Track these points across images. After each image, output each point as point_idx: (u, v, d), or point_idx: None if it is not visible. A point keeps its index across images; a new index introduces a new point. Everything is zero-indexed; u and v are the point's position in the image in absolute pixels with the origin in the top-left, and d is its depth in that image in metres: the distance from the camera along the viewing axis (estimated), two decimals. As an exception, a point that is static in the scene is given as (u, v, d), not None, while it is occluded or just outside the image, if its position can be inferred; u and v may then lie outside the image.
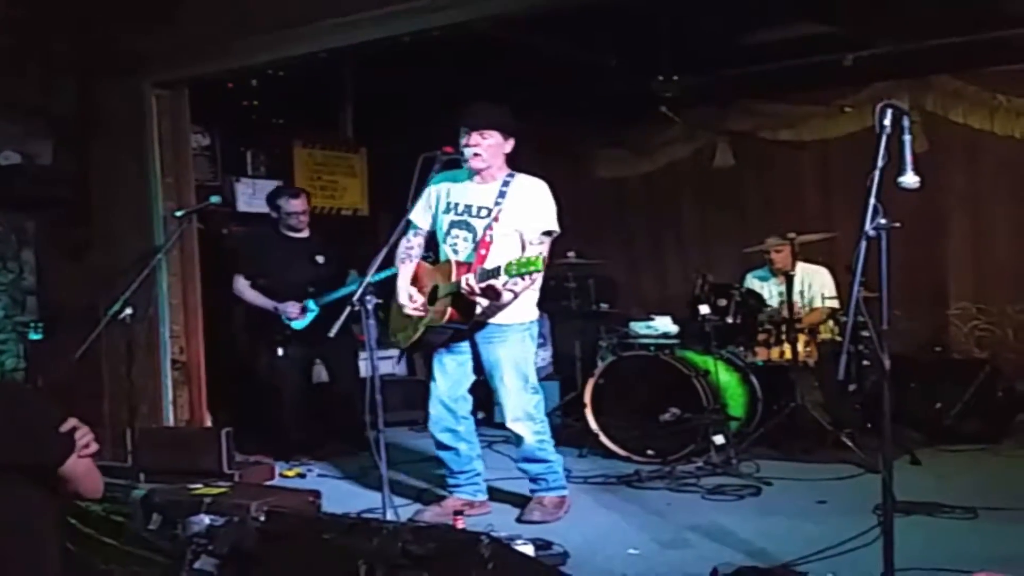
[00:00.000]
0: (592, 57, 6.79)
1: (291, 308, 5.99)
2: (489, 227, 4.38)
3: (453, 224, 4.51)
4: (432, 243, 4.69)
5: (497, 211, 4.39)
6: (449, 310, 4.32)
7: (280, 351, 6.05)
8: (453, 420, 4.60)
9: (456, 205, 4.51)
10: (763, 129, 7.58)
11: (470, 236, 4.44)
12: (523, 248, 4.35)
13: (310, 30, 5.25)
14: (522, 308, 4.49)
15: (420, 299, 4.48)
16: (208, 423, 6.04)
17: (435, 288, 4.44)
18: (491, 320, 4.44)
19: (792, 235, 6.00)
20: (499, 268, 4.09)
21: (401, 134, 7.46)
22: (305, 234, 6.19)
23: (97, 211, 6.19)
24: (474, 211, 4.46)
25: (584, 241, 6.79)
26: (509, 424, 4.53)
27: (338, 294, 5.94)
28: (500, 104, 4.52)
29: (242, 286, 6.12)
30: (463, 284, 4.19)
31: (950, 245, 7.01)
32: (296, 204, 6.13)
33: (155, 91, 5.89)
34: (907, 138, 3.14)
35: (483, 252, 4.34)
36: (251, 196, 7.30)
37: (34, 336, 6.21)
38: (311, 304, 6.02)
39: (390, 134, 7.79)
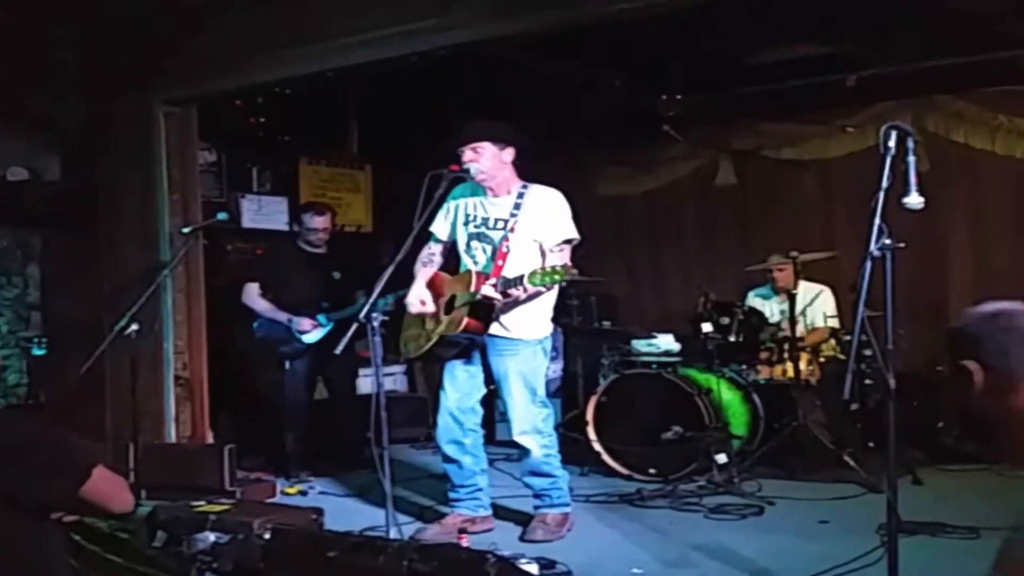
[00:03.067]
0: (596, 76, 6.83)
1: (305, 323, 6.02)
2: (506, 238, 4.44)
3: (472, 236, 4.57)
4: (451, 255, 4.74)
5: (513, 222, 4.45)
6: (465, 320, 4.35)
7: (288, 365, 6.07)
8: (460, 432, 4.62)
9: (474, 218, 4.58)
10: (765, 148, 7.60)
11: (489, 248, 4.50)
12: (543, 257, 4.41)
13: (318, 49, 5.30)
14: (535, 323, 4.52)
15: (431, 306, 4.52)
16: (210, 440, 6.05)
17: (452, 297, 4.48)
18: (503, 334, 4.46)
19: (794, 254, 6.03)
20: (522, 277, 4.13)
21: (406, 152, 7.50)
22: (322, 250, 6.23)
23: (103, 227, 6.23)
24: (491, 223, 4.52)
25: (586, 258, 6.80)
26: (516, 437, 4.54)
27: (350, 311, 5.96)
28: (489, 118, 4.56)
29: (253, 294, 6.14)
30: (482, 293, 4.24)
31: (951, 265, 7.01)
32: (319, 221, 6.18)
33: (164, 108, 5.95)
34: (911, 159, 3.16)
35: (500, 263, 4.39)
36: (256, 212, 7.34)
37: (38, 352, 6.23)
38: (323, 319, 6.04)
39: (395, 152, 7.83)
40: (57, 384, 5.88)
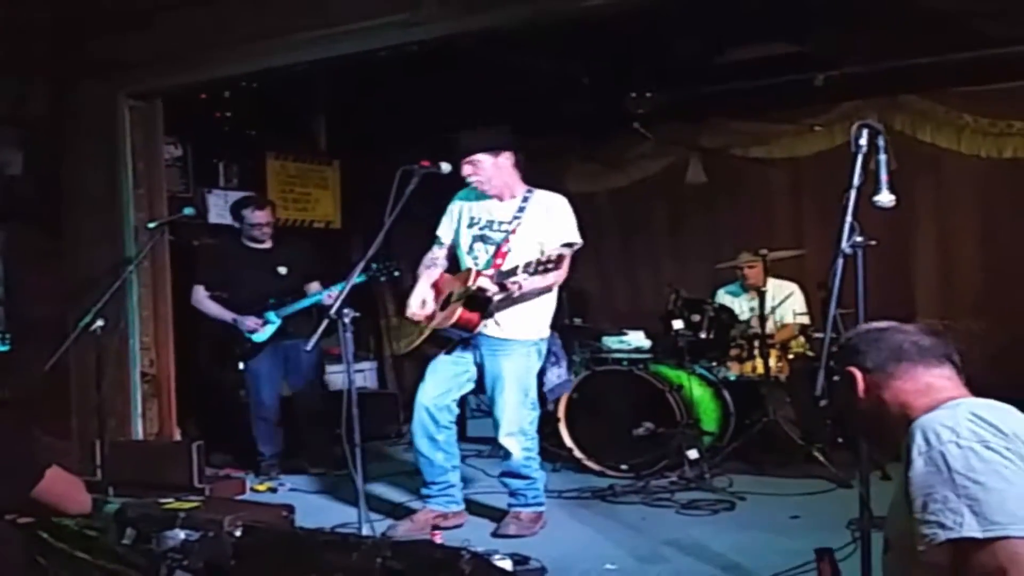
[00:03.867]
0: (566, 73, 6.83)
1: (249, 322, 5.90)
2: (507, 239, 4.44)
3: (475, 238, 4.58)
4: (454, 259, 4.74)
5: (516, 224, 4.46)
6: (459, 311, 4.35)
7: (241, 365, 5.98)
8: (434, 428, 4.59)
9: (479, 220, 4.58)
10: (735, 146, 7.64)
11: (491, 248, 4.51)
12: None
13: (288, 42, 5.24)
14: (531, 324, 4.52)
15: (431, 307, 4.54)
16: (177, 436, 5.98)
17: (450, 294, 4.48)
18: (498, 334, 4.46)
19: (764, 251, 6.06)
20: (516, 268, 4.14)
21: (375, 147, 7.46)
22: (267, 245, 6.12)
23: (67, 222, 6.12)
24: (495, 226, 4.54)
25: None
26: (501, 438, 4.53)
27: (299, 306, 5.89)
28: (484, 126, 4.60)
29: (201, 296, 6.03)
30: (477, 284, 4.26)
31: (917, 262, 7.10)
32: (260, 216, 6.05)
33: (129, 102, 5.85)
34: (882, 157, 3.18)
35: (499, 261, 4.40)
36: (223, 208, 7.23)
37: (1, 348, 6.10)
38: (272, 316, 5.93)
39: (364, 147, 7.78)
40: (21, 381, 5.76)
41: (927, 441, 1.80)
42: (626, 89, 7.20)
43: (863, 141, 3.18)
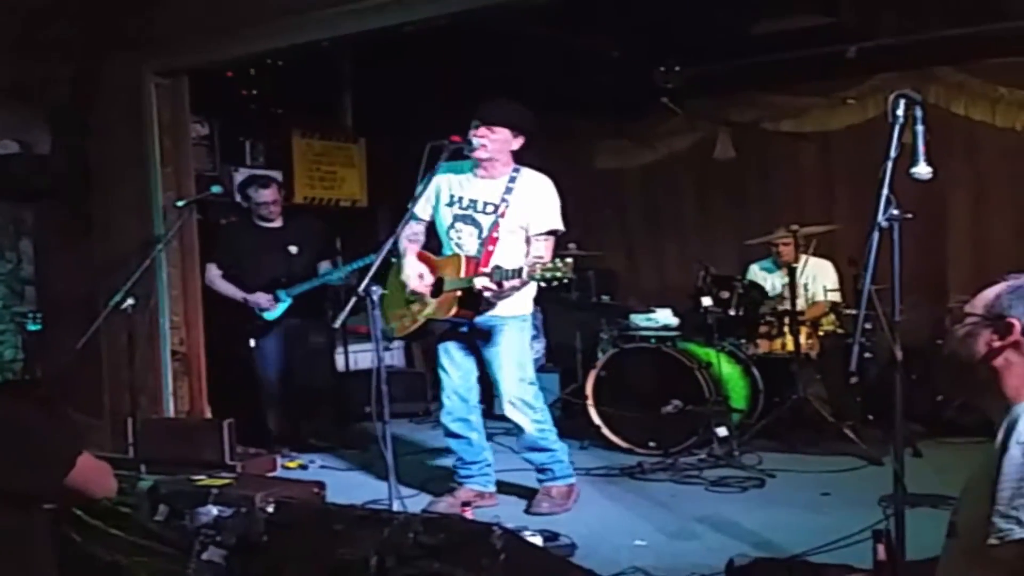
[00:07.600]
0: (594, 47, 6.77)
1: (261, 299, 5.94)
2: (496, 224, 4.38)
3: (457, 218, 4.49)
4: (430, 234, 4.67)
5: (504, 207, 4.38)
6: (455, 308, 4.32)
7: (252, 342, 6.01)
8: (466, 409, 4.62)
9: (460, 199, 4.49)
10: (765, 120, 7.55)
11: (476, 232, 4.43)
12: (527, 244, 4.37)
13: (313, 18, 5.20)
14: (520, 301, 4.49)
15: (430, 279, 4.47)
16: (208, 414, 6.02)
17: (440, 280, 4.43)
18: (490, 312, 4.43)
19: (796, 227, 6.00)
20: (520, 269, 4.05)
21: (401, 125, 7.43)
22: (278, 224, 6.13)
23: (96, 201, 6.14)
24: (479, 206, 4.45)
25: (584, 232, 6.77)
26: (507, 413, 4.53)
27: (310, 285, 5.93)
28: (516, 102, 4.51)
29: (213, 275, 6.07)
30: (478, 284, 4.20)
31: (950, 237, 6.99)
32: (265, 194, 6.07)
33: (155, 79, 5.84)
34: (920, 128, 3.12)
35: (490, 248, 4.35)
36: (249, 186, 7.25)
37: (32, 327, 6.14)
38: (283, 295, 5.95)
39: (390, 125, 7.75)
40: (53, 359, 5.82)
41: None
42: (655, 63, 7.13)
43: (900, 112, 3.12)
